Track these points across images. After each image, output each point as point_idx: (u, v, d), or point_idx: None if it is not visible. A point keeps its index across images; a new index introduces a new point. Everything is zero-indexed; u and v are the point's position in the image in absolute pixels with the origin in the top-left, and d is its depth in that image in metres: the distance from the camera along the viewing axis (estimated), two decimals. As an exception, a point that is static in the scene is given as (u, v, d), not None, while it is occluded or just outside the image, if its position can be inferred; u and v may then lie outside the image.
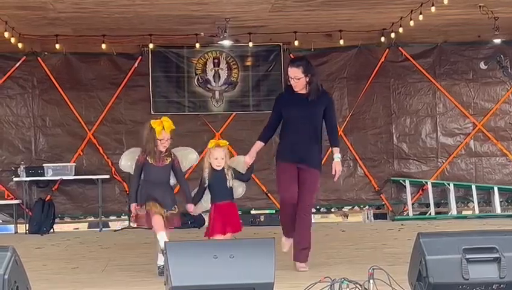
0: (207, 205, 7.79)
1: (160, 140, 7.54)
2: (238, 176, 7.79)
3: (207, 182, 7.68)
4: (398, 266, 6.71)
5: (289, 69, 7.80)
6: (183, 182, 7.79)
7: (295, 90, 7.78)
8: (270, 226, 12.66)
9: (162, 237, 7.46)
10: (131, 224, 12.92)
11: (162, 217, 7.50)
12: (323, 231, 11.67)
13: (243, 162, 7.91)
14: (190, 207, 7.71)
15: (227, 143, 7.85)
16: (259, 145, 7.93)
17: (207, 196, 7.78)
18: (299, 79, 7.70)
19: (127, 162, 7.87)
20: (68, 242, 11.37)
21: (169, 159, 7.62)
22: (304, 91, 7.78)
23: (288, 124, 7.82)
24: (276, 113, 7.91)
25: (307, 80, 7.71)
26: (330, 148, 7.95)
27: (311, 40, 13.45)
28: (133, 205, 7.61)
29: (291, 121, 7.78)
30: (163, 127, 7.56)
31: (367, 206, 14.20)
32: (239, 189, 7.85)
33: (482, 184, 13.96)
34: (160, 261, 7.44)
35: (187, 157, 7.86)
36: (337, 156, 7.79)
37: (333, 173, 7.75)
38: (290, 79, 7.77)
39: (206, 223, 8.26)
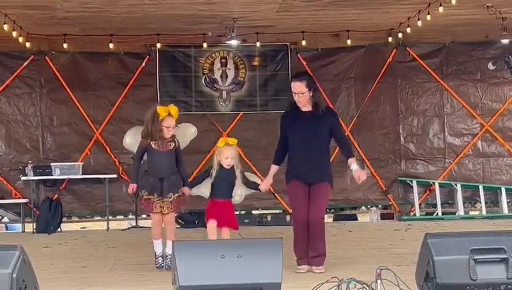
0: (207, 193, 7.88)
1: (167, 127, 7.62)
2: (245, 181, 7.86)
3: (213, 178, 7.75)
4: (406, 266, 6.71)
5: (292, 84, 7.84)
6: (182, 166, 7.93)
7: (299, 106, 7.79)
8: (277, 226, 12.68)
9: (158, 244, 7.68)
10: (138, 223, 12.96)
11: (162, 213, 7.70)
12: (330, 231, 11.64)
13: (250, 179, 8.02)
14: (186, 190, 7.85)
15: (237, 141, 7.90)
16: (274, 169, 8.01)
17: (208, 183, 7.86)
18: (303, 93, 7.74)
19: (131, 139, 7.98)
20: (75, 241, 11.39)
21: (172, 144, 7.74)
22: (307, 108, 7.80)
23: (295, 143, 7.83)
24: (284, 133, 7.95)
25: (310, 94, 7.74)
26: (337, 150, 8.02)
27: (318, 40, 13.43)
28: (133, 185, 7.77)
29: (297, 141, 7.80)
30: (169, 113, 7.62)
31: (374, 207, 14.22)
32: (236, 197, 7.92)
33: (489, 184, 13.94)
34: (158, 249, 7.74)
35: (186, 132, 8.02)
36: (354, 166, 7.80)
37: (358, 182, 7.82)
38: (293, 94, 7.79)
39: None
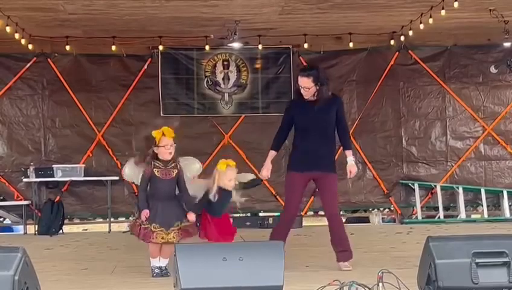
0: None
1: (164, 146, 7.51)
2: (243, 186, 7.81)
3: (214, 200, 7.63)
4: (407, 269, 6.71)
5: (299, 78, 7.87)
6: (186, 192, 7.65)
7: (305, 98, 7.82)
8: (278, 228, 12.64)
9: (155, 261, 7.65)
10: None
11: (164, 242, 7.52)
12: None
13: (250, 178, 7.96)
14: (191, 216, 7.59)
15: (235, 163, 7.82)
16: (272, 155, 8.06)
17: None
18: (309, 88, 7.76)
19: (130, 171, 7.81)
20: (77, 243, 11.39)
21: (175, 171, 7.56)
22: (314, 98, 7.82)
23: (301, 132, 7.86)
24: (288, 120, 7.98)
25: (317, 88, 7.76)
26: (341, 149, 8.08)
27: (320, 42, 13.45)
28: (145, 212, 7.48)
29: (304, 129, 7.83)
30: (162, 133, 7.53)
31: (375, 209, 14.22)
32: (237, 203, 7.82)
33: (491, 188, 13.92)
34: (154, 264, 7.64)
35: (190, 168, 7.80)
36: (350, 159, 7.93)
37: (348, 176, 7.86)
38: (300, 87, 7.82)
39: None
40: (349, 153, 7.94)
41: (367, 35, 13.12)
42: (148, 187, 7.61)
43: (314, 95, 7.81)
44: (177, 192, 7.66)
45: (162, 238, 7.48)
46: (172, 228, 7.50)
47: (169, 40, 13.15)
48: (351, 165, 7.90)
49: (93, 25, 11.94)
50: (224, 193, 7.64)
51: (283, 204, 13.22)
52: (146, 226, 7.49)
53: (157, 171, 7.51)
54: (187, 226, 7.58)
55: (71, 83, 13.50)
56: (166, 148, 7.51)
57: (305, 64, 13.67)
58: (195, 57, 13.76)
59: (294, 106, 8.04)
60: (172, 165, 7.56)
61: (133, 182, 8.32)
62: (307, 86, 7.75)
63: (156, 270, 7.66)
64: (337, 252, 7.92)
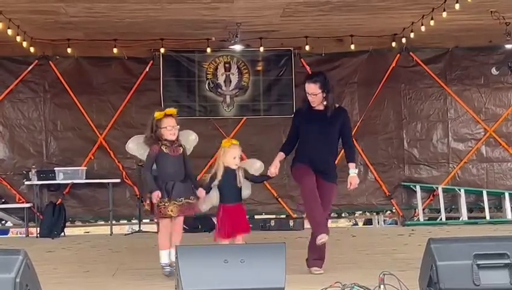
0: (216, 202, 7.78)
1: (166, 127, 7.57)
2: (251, 177, 7.82)
3: (217, 182, 7.68)
4: (409, 271, 6.71)
5: (306, 85, 7.91)
6: (191, 171, 7.79)
7: (312, 105, 7.86)
8: (280, 230, 12.67)
9: (165, 255, 7.67)
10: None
11: (171, 217, 7.57)
12: (334, 236, 11.63)
13: (258, 167, 7.95)
14: (201, 192, 7.65)
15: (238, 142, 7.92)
16: (281, 155, 8.08)
17: (216, 192, 7.76)
18: (316, 95, 7.80)
19: (134, 145, 7.87)
20: (79, 246, 11.40)
21: (181, 149, 7.69)
22: (321, 107, 7.88)
23: (305, 140, 7.92)
24: (295, 128, 8.04)
25: (324, 95, 7.80)
26: (342, 154, 8.10)
27: (322, 44, 13.45)
28: (156, 193, 7.51)
29: (308, 138, 7.88)
30: (164, 115, 7.60)
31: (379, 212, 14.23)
32: (245, 191, 7.87)
33: (493, 190, 13.91)
34: (164, 259, 7.64)
35: (188, 140, 7.91)
36: (353, 171, 7.95)
37: (348, 187, 7.87)
38: (307, 95, 7.86)
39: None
40: (352, 166, 7.95)
41: (368, 38, 13.12)
42: (159, 167, 7.64)
43: (322, 103, 7.84)
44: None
45: (171, 210, 7.54)
46: (174, 202, 7.54)
47: (171, 43, 13.16)
48: (352, 177, 7.91)
49: (95, 27, 11.95)
50: (229, 171, 7.65)
51: (285, 206, 13.52)
52: (163, 203, 7.54)
53: (166, 148, 7.60)
54: (191, 204, 7.63)
55: (73, 86, 13.50)
56: (168, 129, 7.58)
57: (306, 66, 13.68)
58: (197, 59, 13.76)
59: (300, 113, 8.09)
60: (177, 144, 7.69)
61: (134, 155, 8.26)
62: (314, 92, 7.80)
63: (167, 268, 7.65)
64: (311, 258, 7.94)
